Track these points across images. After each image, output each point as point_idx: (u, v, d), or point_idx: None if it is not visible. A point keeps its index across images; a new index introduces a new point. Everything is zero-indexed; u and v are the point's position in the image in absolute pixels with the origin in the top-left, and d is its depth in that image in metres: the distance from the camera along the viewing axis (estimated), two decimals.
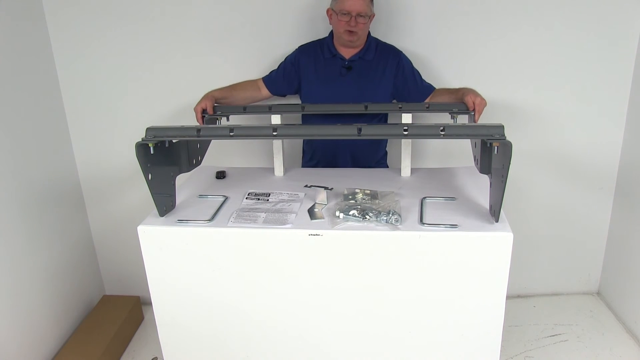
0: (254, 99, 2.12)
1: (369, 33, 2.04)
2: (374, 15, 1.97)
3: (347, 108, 1.95)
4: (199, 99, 1.93)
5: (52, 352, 2.19)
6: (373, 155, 2.16)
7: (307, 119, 2.06)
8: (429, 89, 2.06)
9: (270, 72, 2.13)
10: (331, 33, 2.04)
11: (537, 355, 2.19)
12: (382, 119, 2.10)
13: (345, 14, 1.88)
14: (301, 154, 2.27)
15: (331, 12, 1.95)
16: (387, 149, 2.23)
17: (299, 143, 2.29)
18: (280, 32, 2.19)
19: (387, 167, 2.23)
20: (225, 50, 2.24)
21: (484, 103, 1.80)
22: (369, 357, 1.53)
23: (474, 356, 1.48)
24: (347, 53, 2.02)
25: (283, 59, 2.11)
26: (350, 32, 1.91)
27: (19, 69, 2.04)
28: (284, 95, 2.16)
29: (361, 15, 1.88)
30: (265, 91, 2.12)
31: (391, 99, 2.08)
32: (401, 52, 2.06)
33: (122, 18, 2.20)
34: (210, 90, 2.00)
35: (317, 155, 2.15)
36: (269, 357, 1.58)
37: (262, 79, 2.12)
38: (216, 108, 1.94)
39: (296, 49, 2.10)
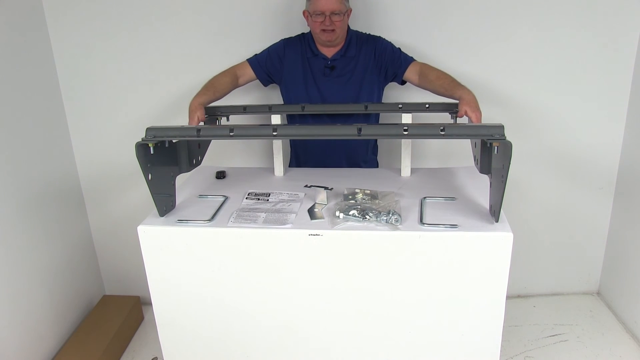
0: (232, 90, 2.02)
1: (349, 28, 2.00)
2: (350, 10, 1.94)
3: (348, 108, 1.95)
4: (189, 113, 1.77)
5: (52, 352, 2.19)
6: (363, 155, 2.15)
7: (292, 120, 2.04)
8: (407, 61, 1.99)
9: (255, 55, 2.04)
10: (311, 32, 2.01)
11: (537, 355, 2.19)
12: (374, 119, 2.08)
13: (319, 14, 1.85)
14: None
15: (307, 14, 1.93)
16: (383, 148, 2.22)
17: None
18: (282, 34, 2.19)
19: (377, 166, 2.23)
20: (225, 52, 2.23)
21: (479, 119, 1.64)
22: (368, 357, 1.52)
23: (474, 356, 1.48)
24: (328, 52, 1.99)
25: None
26: (327, 31, 1.88)
27: (19, 68, 2.04)
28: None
29: (335, 14, 1.84)
30: (244, 78, 2.01)
31: (381, 89, 2.05)
32: (378, 37, 2.03)
33: (122, 19, 2.20)
34: (192, 98, 1.82)
35: (307, 156, 2.12)
36: (269, 357, 1.58)
37: (247, 61, 2.02)
38: (216, 109, 1.94)
39: (280, 41, 2.05)
